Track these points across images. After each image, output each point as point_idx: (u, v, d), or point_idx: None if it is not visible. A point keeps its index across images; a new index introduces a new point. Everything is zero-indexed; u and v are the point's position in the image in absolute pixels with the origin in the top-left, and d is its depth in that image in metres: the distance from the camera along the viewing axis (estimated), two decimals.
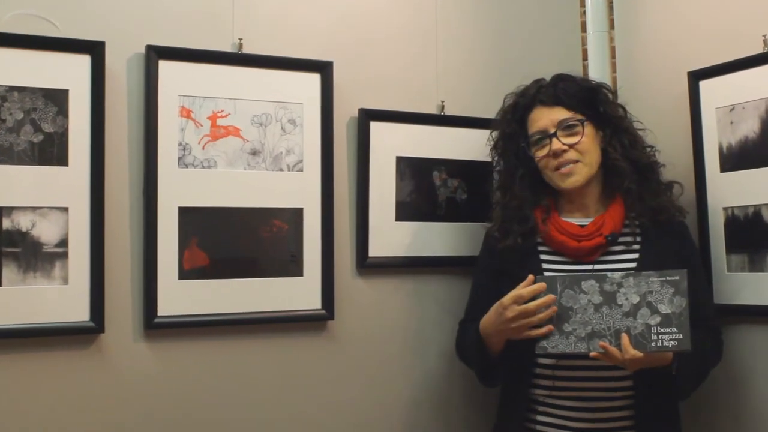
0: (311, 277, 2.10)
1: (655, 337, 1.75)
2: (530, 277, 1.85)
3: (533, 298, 1.84)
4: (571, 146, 1.94)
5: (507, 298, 1.85)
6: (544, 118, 1.98)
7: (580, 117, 1.96)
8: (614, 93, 2.07)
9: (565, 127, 1.96)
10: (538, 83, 2.05)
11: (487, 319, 1.93)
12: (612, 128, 2.00)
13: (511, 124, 2.06)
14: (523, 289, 1.84)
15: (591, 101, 2.00)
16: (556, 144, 1.95)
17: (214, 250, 2.01)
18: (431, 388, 2.25)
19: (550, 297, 1.83)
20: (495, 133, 2.13)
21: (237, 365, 2.04)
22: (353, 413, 2.16)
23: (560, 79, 2.04)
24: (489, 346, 1.95)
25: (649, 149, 2.05)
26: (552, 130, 1.96)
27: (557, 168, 1.96)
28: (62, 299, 1.86)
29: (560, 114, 1.96)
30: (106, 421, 1.91)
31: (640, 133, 2.05)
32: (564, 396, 1.92)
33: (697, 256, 2.03)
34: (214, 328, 2.01)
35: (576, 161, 1.95)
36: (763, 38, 1.99)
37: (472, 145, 2.28)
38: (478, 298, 2.07)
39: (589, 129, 1.96)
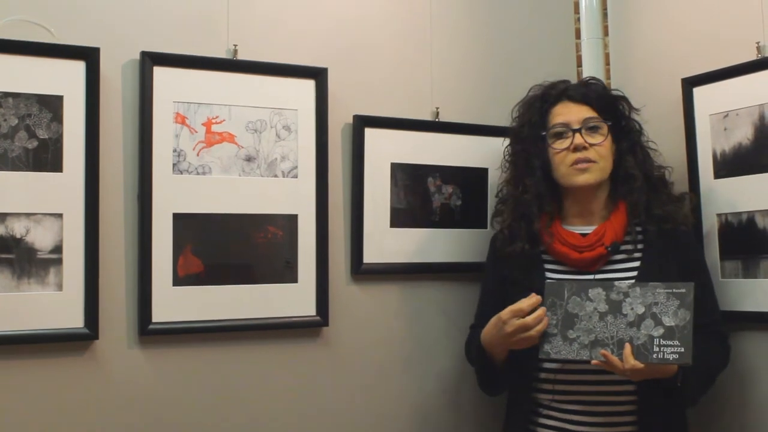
0: (306, 283, 2.10)
1: (657, 349, 1.74)
2: (533, 295, 1.85)
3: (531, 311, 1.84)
4: (592, 145, 1.95)
5: (506, 313, 1.86)
6: (571, 113, 1.98)
7: (603, 121, 1.97)
8: (633, 108, 2.07)
9: (590, 126, 1.96)
10: (565, 83, 2.06)
11: (488, 332, 1.93)
12: (628, 142, 2.01)
13: (537, 113, 2.04)
14: (523, 303, 1.84)
15: (615, 110, 2.02)
16: (578, 139, 1.95)
17: (208, 257, 2.01)
18: (426, 394, 2.25)
19: (543, 310, 1.83)
20: (517, 120, 2.10)
21: (231, 372, 2.04)
22: (347, 420, 2.16)
23: (590, 80, 2.08)
24: (493, 355, 1.96)
25: (657, 166, 2.04)
26: (576, 126, 1.96)
27: (574, 163, 1.95)
28: (56, 305, 1.85)
29: (587, 112, 1.97)
30: (100, 428, 1.90)
31: (651, 153, 2.05)
32: (566, 400, 1.92)
33: (702, 262, 2.01)
34: (208, 334, 2.00)
35: (594, 161, 1.95)
36: (757, 45, 2.00)
37: (467, 152, 2.29)
38: (484, 304, 2.09)
39: (609, 136, 1.97)
